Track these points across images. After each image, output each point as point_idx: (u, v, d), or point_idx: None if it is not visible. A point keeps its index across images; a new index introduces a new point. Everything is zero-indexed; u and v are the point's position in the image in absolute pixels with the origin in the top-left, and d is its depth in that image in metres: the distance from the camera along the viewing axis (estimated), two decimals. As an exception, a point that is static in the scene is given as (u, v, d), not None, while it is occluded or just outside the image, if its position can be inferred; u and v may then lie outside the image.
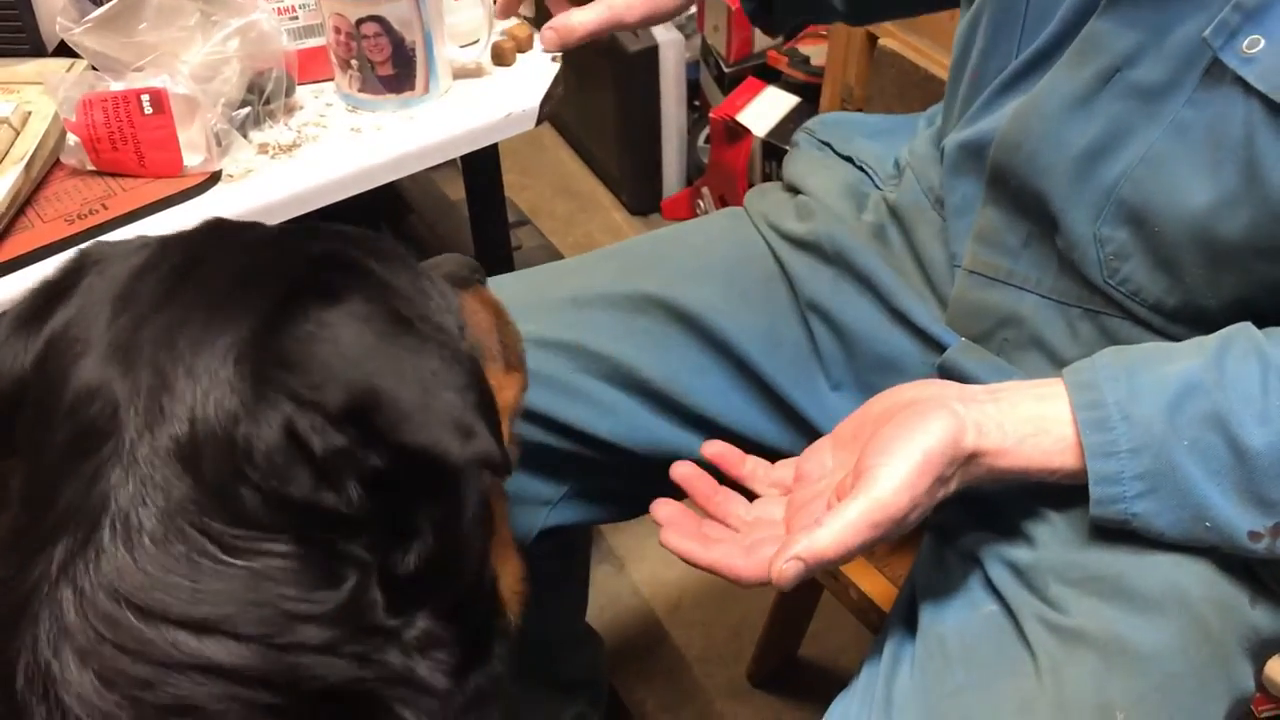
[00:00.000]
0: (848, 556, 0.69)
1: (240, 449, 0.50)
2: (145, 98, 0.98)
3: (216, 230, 0.62)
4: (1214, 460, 0.70)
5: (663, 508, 0.81)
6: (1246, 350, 0.72)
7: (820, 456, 0.81)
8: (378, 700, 0.53)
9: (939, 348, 0.92)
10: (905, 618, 0.85)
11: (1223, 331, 0.74)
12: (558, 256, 2.20)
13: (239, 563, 0.50)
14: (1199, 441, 0.70)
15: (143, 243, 0.61)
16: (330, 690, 0.51)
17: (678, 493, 0.83)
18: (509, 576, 0.68)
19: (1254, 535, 0.71)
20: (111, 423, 0.52)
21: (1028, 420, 0.74)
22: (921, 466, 0.69)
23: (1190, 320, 0.79)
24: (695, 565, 0.77)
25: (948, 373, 0.89)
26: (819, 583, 1.25)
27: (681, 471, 0.83)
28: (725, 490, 0.83)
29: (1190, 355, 0.73)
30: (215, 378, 0.51)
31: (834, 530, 0.69)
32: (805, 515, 0.76)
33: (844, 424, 0.81)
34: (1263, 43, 0.69)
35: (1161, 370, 0.73)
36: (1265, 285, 0.76)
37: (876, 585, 1.10)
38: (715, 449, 0.85)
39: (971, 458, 0.72)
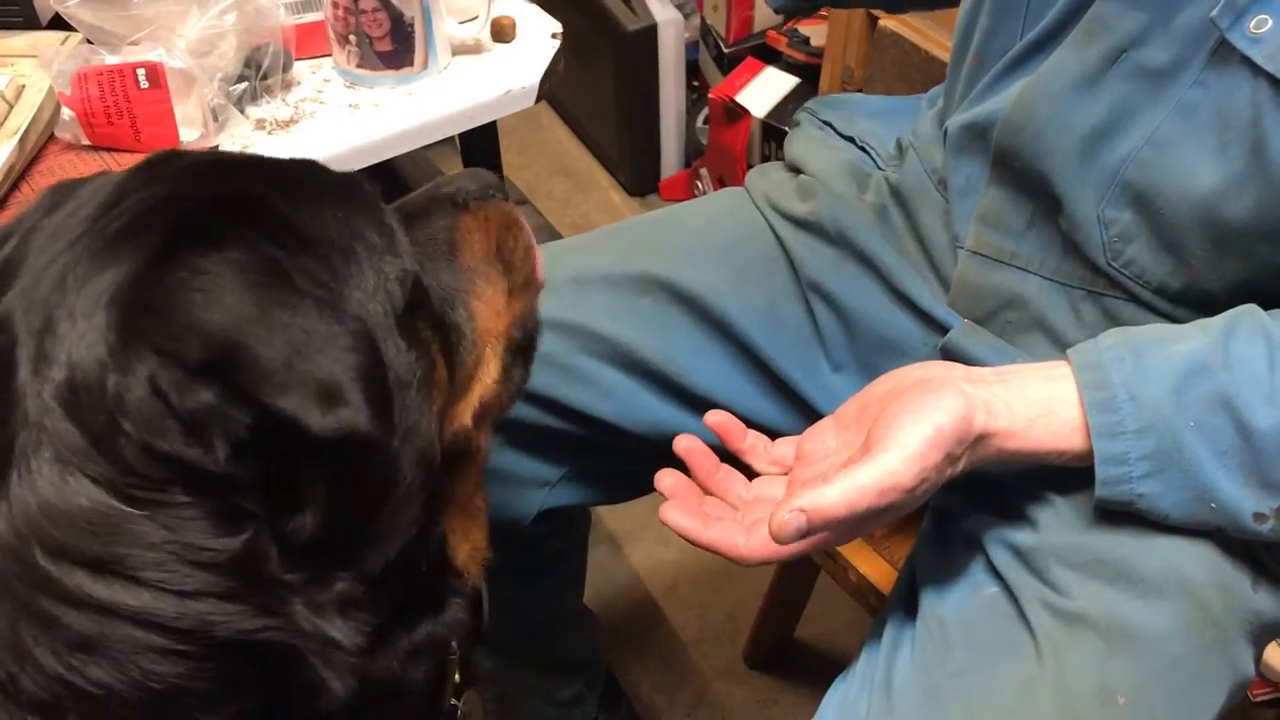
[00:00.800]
0: (850, 522, 0.68)
1: (111, 398, 0.48)
2: (141, 72, 0.97)
3: (158, 163, 0.59)
4: (1220, 441, 0.70)
5: (666, 478, 0.81)
6: (1253, 331, 0.72)
7: (822, 436, 0.81)
8: (293, 653, 0.53)
9: (941, 329, 0.91)
10: (905, 600, 0.85)
11: (1228, 312, 0.74)
12: (556, 236, 2.19)
13: (134, 511, 0.49)
14: (1206, 422, 0.70)
15: (102, 179, 0.59)
16: (240, 641, 0.51)
17: (679, 471, 0.83)
18: (470, 543, 0.68)
19: (1259, 517, 0.71)
20: (11, 360, 0.51)
21: (1036, 401, 0.73)
22: (933, 439, 0.69)
23: (1194, 303, 0.78)
24: (694, 543, 0.77)
25: (950, 354, 0.89)
26: (816, 565, 1.24)
27: (685, 444, 0.83)
28: (726, 468, 0.82)
29: (1196, 336, 0.73)
30: (90, 322, 0.49)
31: (841, 489, 0.67)
32: (761, 506, 0.76)
33: (847, 405, 0.81)
34: (1270, 22, 0.68)
35: (1167, 351, 0.72)
36: (1269, 268, 0.75)
37: (876, 568, 1.09)
38: (718, 418, 0.84)
39: (981, 439, 0.72)
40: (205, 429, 0.48)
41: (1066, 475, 0.76)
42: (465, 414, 0.66)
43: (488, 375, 0.69)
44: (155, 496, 0.49)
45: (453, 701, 0.72)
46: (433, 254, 0.68)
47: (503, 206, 0.74)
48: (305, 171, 0.61)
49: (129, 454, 0.49)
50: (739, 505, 0.80)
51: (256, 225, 0.52)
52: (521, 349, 0.72)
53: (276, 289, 0.49)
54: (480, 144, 1.33)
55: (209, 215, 0.52)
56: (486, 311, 0.69)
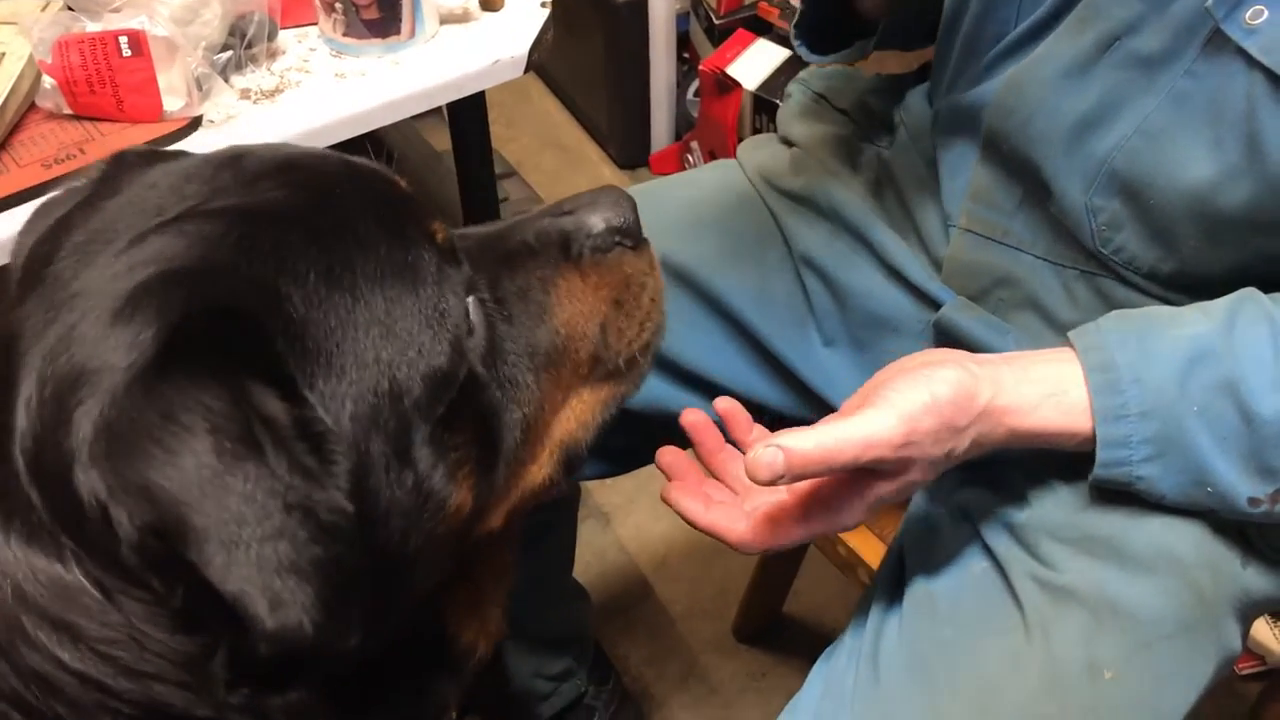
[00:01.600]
0: (829, 467, 0.65)
1: (75, 494, 0.46)
2: (123, 39, 0.96)
3: (229, 162, 0.57)
4: (1222, 426, 0.70)
5: (667, 454, 0.79)
6: (1256, 316, 0.71)
7: None
8: None
9: (934, 305, 0.91)
10: (894, 574, 0.85)
11: (1230, 296, 0.73)
12: (545, 210, 2.18)
13: (92, 590, 0.48)
14: (1209, 408, 0.70)
15: (166, 169, 0.57)
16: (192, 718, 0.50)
17: (677, 445, 0.82)
18: (483, 623, 0.64)
19: (1253, 501, 0.71)
20: (15, 370, 0.50)
21: (1043, 380, 0.72)
22: (928, 405, 0.67)
23: (1185, 288, 0.78)
24: (694, 525, 0.76)
25: (943, 329, 0.88)
26: (806, 539, 1.24)
27: (692, 419, 0.81)
28: (729, 449, 0.81)
29: (1198, 321, 0.72)
30: (73, 414, 0.47)
31: (823, 433, 0.65)
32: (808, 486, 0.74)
33: (851, 399, 0.78)
34: (1266, 13, 0.67)
35: (1171, 335, 0.72)
36: (1262, 257, 0.75)
37: (865, 542, 1.09)
38: (727, 405, 0.82)
39: (988, 414, 0.70)
40: (150, 570, 0.47)
41: (1060, 453, 0.76)
42: (496, 517, 0.61)
43: (536, 477, 0.62)
44: (115, 584, 0.48)
45: None
46: (516, 314, 0.60)
47: (625, 264, 0.65)
48: (364, 216, 0.55)
49: (90, 540, 0.47)
50: (737, 489, 0.79)
51: (256, 348, 0.48)
52: (576, 463, 0.64)
53: (242, 461, 0.44)
54: (469, 116, 1.32)
55: (213, 323, 0.48)
56: (560, 403, 0.61)
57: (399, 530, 0.53)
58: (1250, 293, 0.73)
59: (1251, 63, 0.68)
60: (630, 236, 0.66)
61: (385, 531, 0.52)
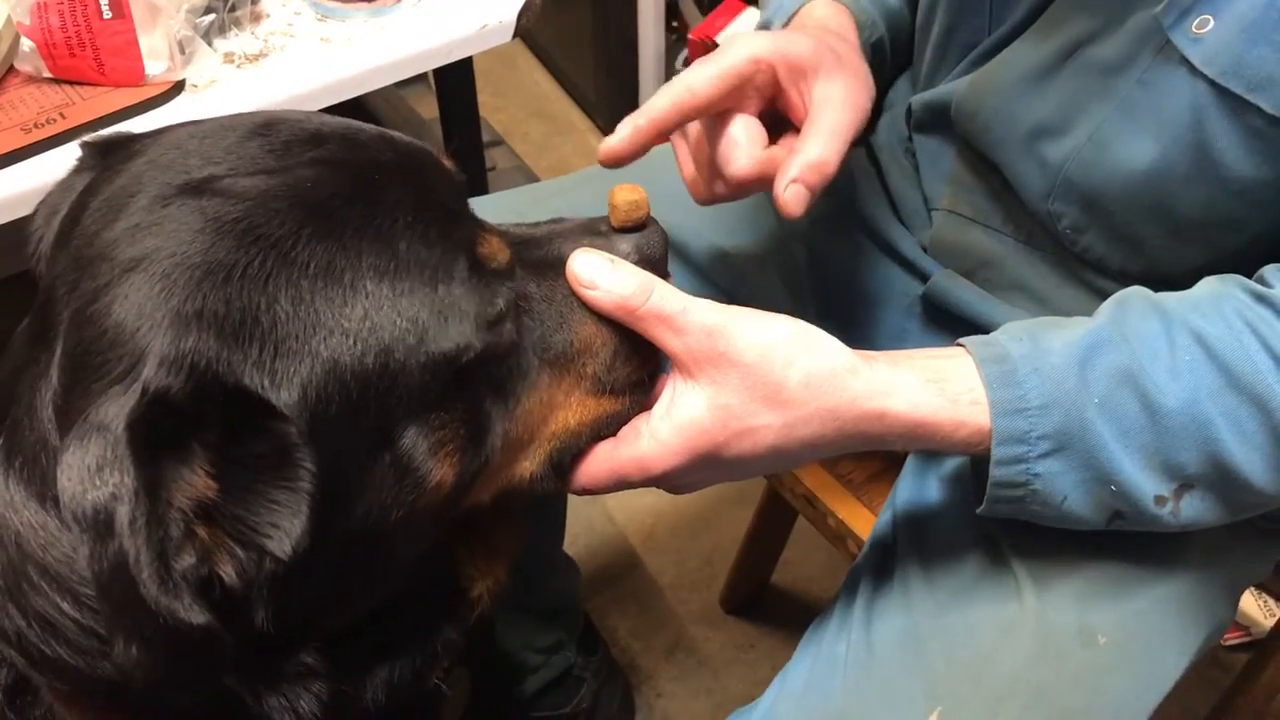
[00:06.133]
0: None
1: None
2: (104, 1, 0.94)
3: (258, 133, 0.57)
4: (1124, 419, 0.66)
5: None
6: (1145, 310, 0.68)
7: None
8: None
9: (923, 277, 0.90)
10: (885, 544, 0.85)
11: (1114, 296, 0.71)
12: (534, 178, 2.16)
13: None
14: (1110, 398, 0.66)
15: (182, 134, 0.58)
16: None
17: None
18: (488, 578, 0.67)
19: (1159, 499, 0.67)
20: (53, 321, 0.52)
21: (925, 369, 0.67)
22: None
23: (1158, 282, 0.76)
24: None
25: (934, 299, 0.88)
26: (794, 510, 1.24)
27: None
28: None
29: (1087, 321, 0.69)
30: (81, 380, 0.50)
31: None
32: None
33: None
34: (1211, 22, 0.66)
35: (1063, 333, 0.68)
36: (1229, 251, 0.74)
37: (854, 513, 1.09)
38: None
39: (873, 416, 0.65)
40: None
41: None
42: (482, 494, 0.63)
43: (524, 467, 0.64)
44: None
45: (437, 681, 0.71)
46: (538, 313, 0.63)
47: (645, 307, 0.66)
48: (395, 209, 0.56)
49: None
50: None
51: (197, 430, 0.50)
52: (564, 465, 0.66)
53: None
54: (456, 84, 1.30)
55: (190, 412, 0.49)
56: (557, 402, 0.64)
57: (377, 504, 0.55)
58: (1133, 289, 0.71)
59: (1195, 72, 0.67)
60: (657, 272, 0.68)
61: (362, 505, 0.54)
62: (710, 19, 2.09)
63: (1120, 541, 0.73)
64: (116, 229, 0.53)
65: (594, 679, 1.41)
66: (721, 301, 0.95)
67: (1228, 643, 1.52)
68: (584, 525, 1.69)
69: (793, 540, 1.54)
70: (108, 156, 0.59)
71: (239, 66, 1.03)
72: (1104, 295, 0.81)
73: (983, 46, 0.82)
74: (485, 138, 1.70)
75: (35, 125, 0.94)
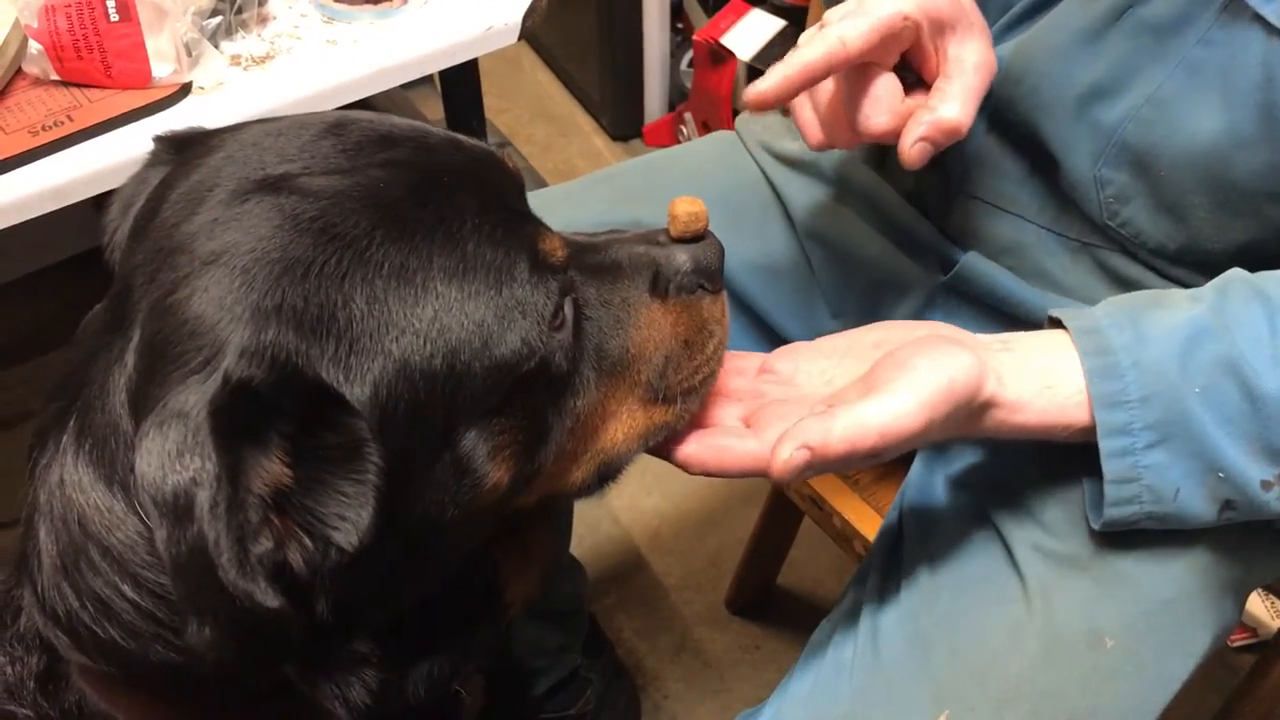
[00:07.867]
0: (849, 462, 0.64)
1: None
2: (111, 4, 0.94)
3: (330, 132, 0.58)
4: (1226, 407, 0.66)
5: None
6: (1246, 295, 0.69)
7: (795, 358, 0.75)
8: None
9: (942, 267, 0.90)
10: (891, 545, 0.85)
11: (1216, 280, 0.71)
12: (539, 180, 2.17)
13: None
14: (1211, 387, 0.66)
15: (257, 133, 0.59)
16: None
17: None
18: (522, 584, 0.69)
19: (1265, 484, 0.68)
20: (128, 308, 0.54)
21: (1040, 371, 0.69)
22: (946, 390, 0.64)
23: (1191, 264, 0.76)
24: (723, 472, 0.70)
25: (964, 280, 0.87)
26: (799, 511, 1.24)
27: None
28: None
29: (1188, 302, 0.70)
30: (156, 371, 0.51)
31: (847, 425, 0.62)
32: (773, 414, 0.69)
33: (833, 337, 0.76)
34: None
35: (1164, 317, 0.69)
36: (1275, 227, 0.73)
37: (861, 514, 1.09)
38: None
39: (986, 407, 0.67)
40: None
41: None
42: (531, 496, 0.64)
43: (574, 476, 0.65)
44: None
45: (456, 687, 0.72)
46: (595, 318, 0.64)
47: (703, 309, 0.68)
48: (463, 211, 0.57)
49: None
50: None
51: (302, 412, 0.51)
52: (611, 474, 0.67)
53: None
54: (461, 85, 1.30)
55: (270, 402, 0.50)
56: (610, 412, 0.65)
57: (435, 502, 0.57)
58: (1236, 273, 0.71)
59: (1271, 30, 0.67)
60: (712, 282, 0.68)
61: (421, 501, 0.56)
62: (715, 20, 2.09)
63: (1127, 544, 0.73)
64: (195, 222, 0.54)
65: (600, 680, 1.41)
66: (733, 306, 0.96)
67: (1234, 644, 1.52)
68: (589, 527, 1.69)
69: (799, 541, 1.54)
70: (183, 151, 0.60)
71: (245, 69, 1.03)
72: (1127, 285, 0.80)
73: (1019, 7, 0.81)
74: (491, 139, 1.70)
75: (43, 128, 0.94)
